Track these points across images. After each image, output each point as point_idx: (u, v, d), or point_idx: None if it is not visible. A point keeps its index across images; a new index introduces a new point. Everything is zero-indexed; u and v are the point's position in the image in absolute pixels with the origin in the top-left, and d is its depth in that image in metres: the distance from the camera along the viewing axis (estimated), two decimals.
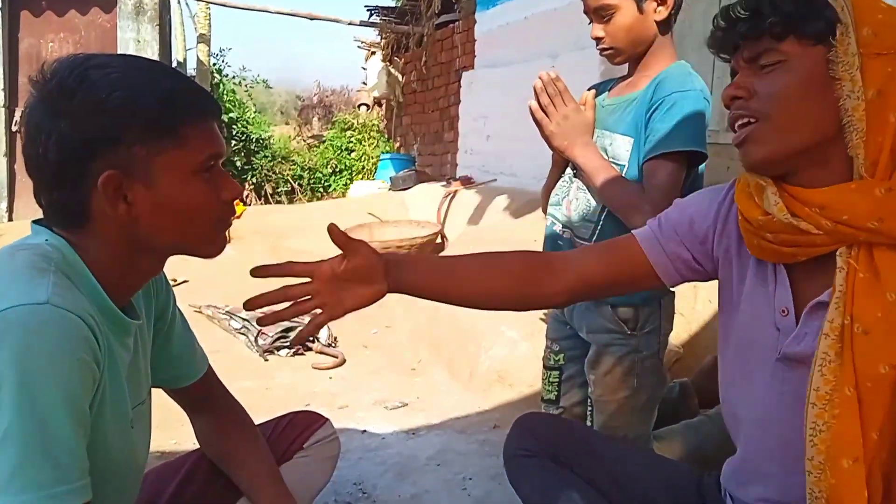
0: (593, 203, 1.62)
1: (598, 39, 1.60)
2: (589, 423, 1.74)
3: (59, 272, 0.90)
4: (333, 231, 1.09)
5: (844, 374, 0.88)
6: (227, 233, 1.09)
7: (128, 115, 0.92)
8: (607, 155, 1.61)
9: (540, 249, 1.80)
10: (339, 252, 1.11)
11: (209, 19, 8.34)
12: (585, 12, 1.61)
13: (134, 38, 6.69)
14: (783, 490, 1.03)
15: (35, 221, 1.00)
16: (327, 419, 1.49)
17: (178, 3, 7.86)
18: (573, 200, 1.67)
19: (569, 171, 1.71)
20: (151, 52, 6.65)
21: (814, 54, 0.91)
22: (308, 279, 1.12)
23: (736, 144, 0.99)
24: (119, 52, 6.57)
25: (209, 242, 1.04)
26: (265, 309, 1.11)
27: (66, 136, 0.91)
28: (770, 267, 1.03)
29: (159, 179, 0.95)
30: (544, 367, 1.89)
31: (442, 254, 4.63)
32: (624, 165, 1.58)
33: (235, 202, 1.07)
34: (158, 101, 0.94)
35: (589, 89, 1.71)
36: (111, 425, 0.98)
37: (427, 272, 1.18)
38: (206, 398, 1.32)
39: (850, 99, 0.89)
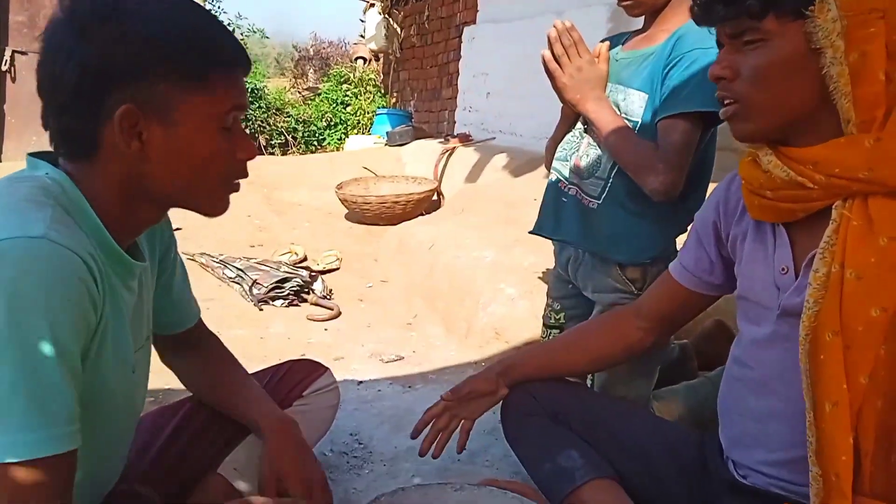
0: (604, 159, 1.58)
1: None
2: (589, 383, 1.73)
3: (59, 207, 0.86)
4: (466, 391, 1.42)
5: (828, 320, 0.90)
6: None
7: (159, 51, 0.88)
8: (620, 110, 1.56)
9: (539, 208, 1.77)
10: None
11: None
12: None
13: None
14: (786, 450, 1.04)
15: (31, 154, 0.95)
16: (327, 368, 1.48)
17: None
18: (583, 156, 1.63)
19: (579, 125, 1.67)
20: None
21: (794, 30, 0.92)
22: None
23: (723, 117, 1.02)
24: None
25: (214, 199, 1.00)
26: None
27: (89, 62, 0.86)
28: (769, 230, 1.06)
29: (178, 122, 0.91)
30: (544, 325, 1.88)
31: (439, 210, 4.59)
32: (637, 122, 1.54)
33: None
34: (193, 42, 0.90)
35: (602, 41, 1.66)
36: (112, 369, 0.94)
37: (535, 368, 1.44)
38: (196, 342, 1.32)
39: (834, 66, 0.90)
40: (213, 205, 1.01)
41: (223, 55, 0.93)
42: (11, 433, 0.77)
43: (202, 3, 6.59)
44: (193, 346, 1.31)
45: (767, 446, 1.08)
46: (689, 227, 1.31)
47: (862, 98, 0.90)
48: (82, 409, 0.85)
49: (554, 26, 1.56)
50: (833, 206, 0.93)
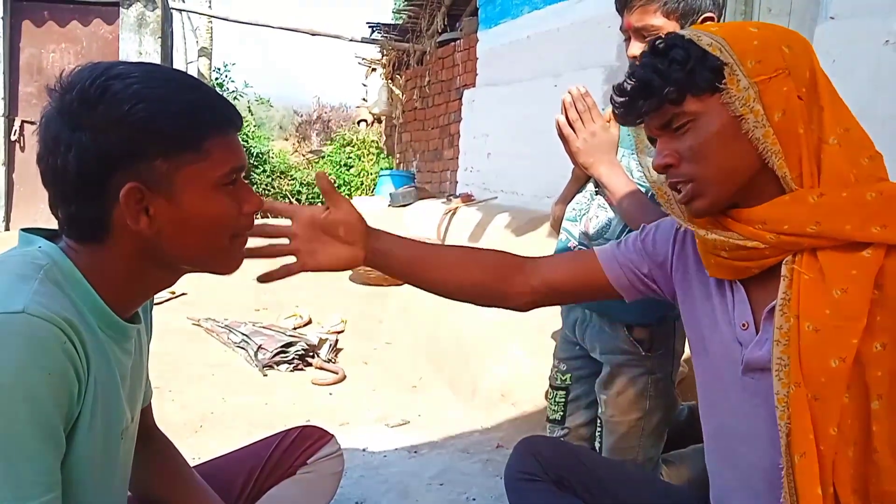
0: (614, 222, 1.60)
1: (635, 58, 1.58)
2: (598, 445, 1.71)
3: (47, 279, 0.87)
4: (321, 177, 1.19)
5: (791, 372, 0.92)
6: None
7: (150, 129, 0.89)
8: (633, 175, 1.59)
9: None
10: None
11: (211, 33, 8.38)
12: (623, 29, 1.58)
13: (136, 51, 6.69)
14: None
15: (24, 229, 0.97)
16: (333, 435, 1.46)
17: (181, 15, 7.90)
18: (593, 218, 1.65)
19: (590, 187, 1.69)
20: None
21: (715, 103, 0.96)
22: (289, 221, 1.19)
23: (681, 202, 1.05)
24: None
25: (227, 257, 1.01)
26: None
27: (86, 150, 0.88)
28: (727, 286, 1.08)
29: (181, 193, 0.92)
30: (551, 386, 1.87)
31: None
32: (649, 187, 1.56)
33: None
34: (181, 115, 0.91)
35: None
36: (101, 435, 0.93)
37: (407, 248, 1.24)
38: (143, 428, 1.19)
39: (758, 129, 0.95)
40: (226, 262, 1.02)
41: (213, 121, 0.94)
42: None
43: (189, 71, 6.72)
44: (147, 432, 1.22)
45: None
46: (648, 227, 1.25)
47: (791, 154, 0.95)
48: (68, 473, 0.87)
49: (569, 92, 1.59)
50: (783, 263, 0.96)
